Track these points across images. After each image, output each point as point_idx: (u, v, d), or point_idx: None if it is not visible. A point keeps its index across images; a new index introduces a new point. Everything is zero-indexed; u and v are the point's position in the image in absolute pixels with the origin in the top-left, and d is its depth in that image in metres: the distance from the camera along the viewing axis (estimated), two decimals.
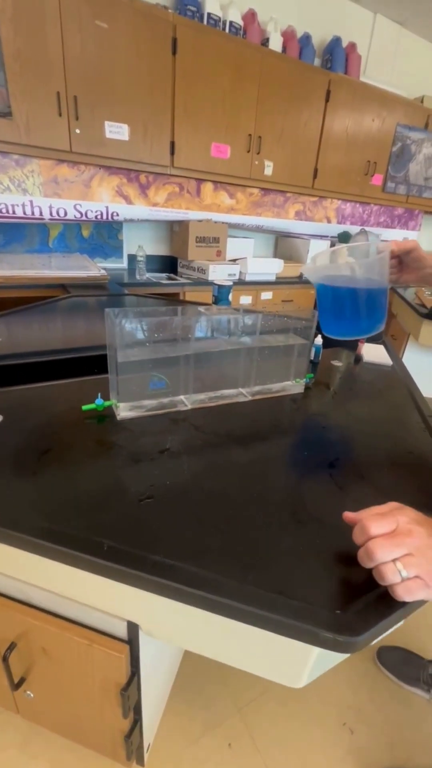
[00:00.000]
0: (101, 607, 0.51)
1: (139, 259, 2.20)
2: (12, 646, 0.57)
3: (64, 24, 1.65)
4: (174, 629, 0.48)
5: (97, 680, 0.55)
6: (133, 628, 0.51)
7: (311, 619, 0.35)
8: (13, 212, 1.90)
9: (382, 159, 2.78)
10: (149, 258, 2.45)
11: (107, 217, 2.12)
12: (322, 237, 2.89)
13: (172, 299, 1.94)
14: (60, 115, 1.76)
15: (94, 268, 1.87)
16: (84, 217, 2.07)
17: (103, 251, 2.39)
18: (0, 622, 0.56)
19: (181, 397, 0.72)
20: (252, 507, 0.48)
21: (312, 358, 0.95)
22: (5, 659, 0.56)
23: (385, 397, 0.82)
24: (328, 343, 0.98)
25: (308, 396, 0.79)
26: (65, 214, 2.01)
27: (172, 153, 2.07)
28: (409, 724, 0.98)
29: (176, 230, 2.46)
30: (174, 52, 1.91)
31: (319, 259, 0.65)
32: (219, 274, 2.29)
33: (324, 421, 0.70)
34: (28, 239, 2.17)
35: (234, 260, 2.48)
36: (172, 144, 2.06)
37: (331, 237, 2.94)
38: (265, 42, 2.28)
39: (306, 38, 2.40)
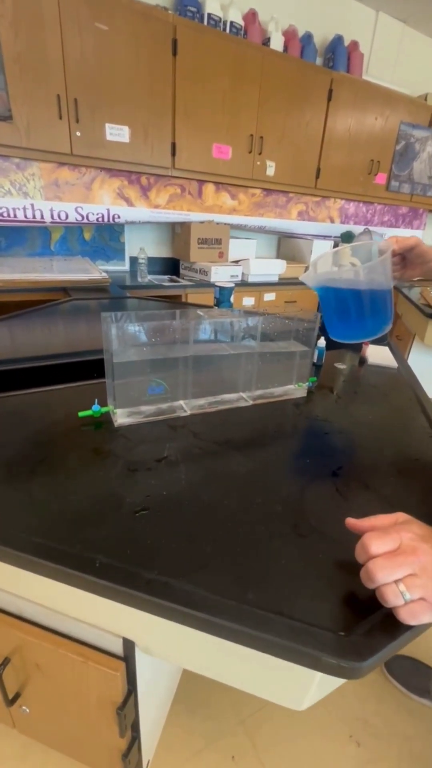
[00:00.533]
0: (96, 623, 0.49)
1: (140, 261, 2.19)
2: (6, 662, 0.55)
3: (64, 26, 1.65)
4: (171, 648, 0.46)
5: (93, 698, 0.53)
6: (129, 645, 0.49)
7: (313, 642, 0.33)
8: (15, 216, 1.90)
9: (386, 158, 2.75)
10: (151, 260, 2.44)
11: (108, 220, 2.12)
12: (325, 237, 2.87)
13: (174, 301, 1.92)
14: (60, 117, 1.76)
15: (95, 271, 1.86)
16: (85, 220, 2.06)
17: (105, 254, 2.39)
18: None
19: (181, 402, 0.70)
20: (251, 519, 0.46)
21: (315, 360, 0.93)
22: None
23: (390, 401, 0.79)
24: (331, 345, 0.96)
25: (311, 400, 0.77)
26: (66, 217, 2.01)
27: (173, 154, 2.06)
28: (419, 737, 0.95)
29: (178, 232, 2.45)
30: (174, 53, 1.90)
31: (320, 263, 0.63)
32: (221, 275, 2.28)
33: (327, 426, 0.68)
34: (30, 243, 2.17)
35: (236, 261, 2.47)
36: (173, 145, 2.05)
37: (335, 237, 2.91)
38: (266, 42, 2.27)
39: (307, 37, 2.38)
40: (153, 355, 0.65)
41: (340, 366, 0.96)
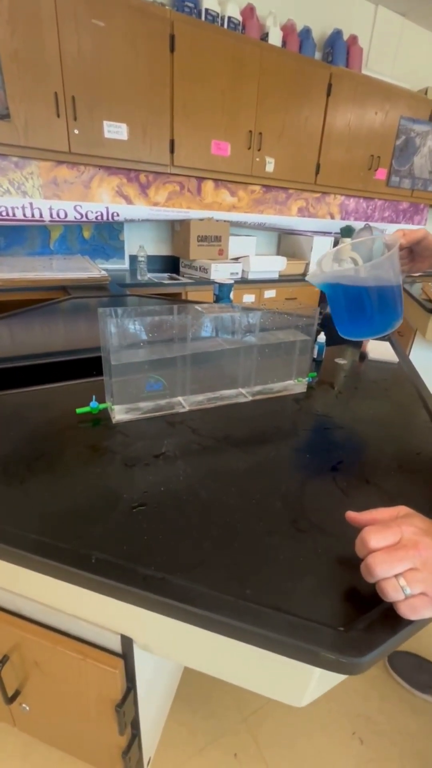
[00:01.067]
0: (93, 620, 0.49)
1: (140, 259, 2.18)
2: (4, 659, 0.55)
3: (61, 23, 1.64)
4: (169, 645, 0.46)
5: (92, 695, 0.53)
6: (127, 642, 0.48)
7: (311, 638, 0.32)
8: (14, 215, 1.90)
9: (386, 153, 2.74)
10: (151, 258, 2.44)
11: (108, 218, 2.11)
12: (325, 233, 2.85)
13: (174, 299, 1.92)
14: (58, 115, 1.75)
15: (95, 270, 1.85)
16: (84, 219, 2.06)
17: (104, 252, 2.38)
18: None
19: (179, 398, 0.69)
20: (250, 514, 0.45)
21: (315, 356, 0.93)
22: None
23: (391, 396, 0.79)
24: (331, 340, 0.95)
25: (311, 396, 0.76)
26: (65, 215, 2.00)
27: (172, 151, 2.05)
28: (422, 733, 0.95)
29: (177, 230, 2.44)
30: (172, 50, 1.89)
31: (325, 262, 0.62)
32: (221, 273, 2.27)
33: (327, 421, 0.67)
34: (29, 242, 2.16)
35: (236, 259, 2.46)
36: (172, 142, 2.04)
37: (335, 233, 2.90)
38: (264, 37, 2.25)
39: (306, 32, 2.36)
40: (151, 351, 0.65)
41: (341, 361, 0.95)
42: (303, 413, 0.70)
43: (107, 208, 2.09)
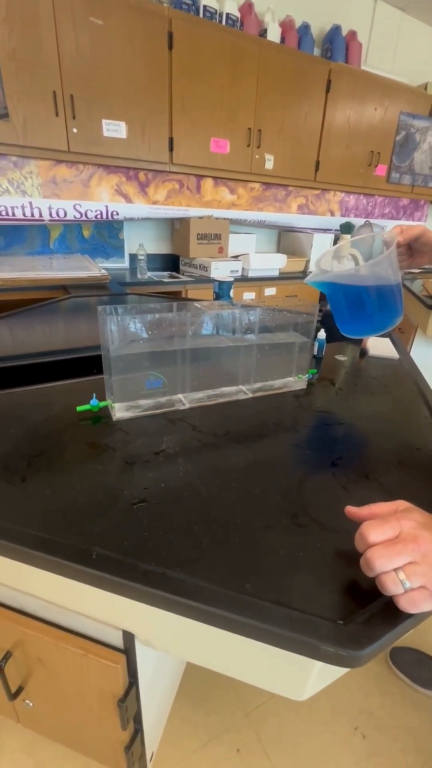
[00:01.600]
0: (95, 616, 0.49)
1: (139, 257, 2.18)
2: (7, 656, 0.55)
3: (59, 22, 1.64)
4: (170, 639, 0.46)
5: (94, 691, 0.53)
6: (129, 638, 0.49)
7: (311, 631, 0.32)
8: (13, 214, 1.90)
9: (386, 149, 2.73)
10: (151, 257, 2.43)
11: (107, 217, 2.11)
12: (325, 231, 2.85)
13: (174, 298, 1.92)
14: (57, 114, 1.75)
15: (94, 269, 1.85)
16: (84, 217, 2.06)
17: (104, 251, 2.38)
18: None
19: (179, 395, 0.70)
20: (250, 510, 0.45)
21: (315, 352, 0.93)
22: (1, 669, 0.55)
23: (391, 392, 0.79)
24: (332, 337, 0.95)
25: (311, 392, 0.76)
26: (65, 214, 2.00)
27: (171, 149, 2.05)
28: (424, 728, 0.95)
29: (177, 228, 2.43)
30: (170, 47, 1.88)
31: (324, 261, 0.62)
32: (221, 271, 2.27)
33: (327, 418, 0.67)
34: (29, 241, 2.16)
35: (236, 256, 2.45)
36: (171, 140, 2.04)
37: (335, 230, 2.89)
38: (262, 33, 2.25)
39: (305, 28, 2.35)
40: (151, 349, 0.65)
41: (341, 358, 0.95)
42: (303, 410, 0.70)
43: (106, 207, 2.08)
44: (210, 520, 0.43)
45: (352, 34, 2.52)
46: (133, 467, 0.52)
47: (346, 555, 0.39)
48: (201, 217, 2.33)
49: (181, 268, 2.49)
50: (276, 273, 2.51)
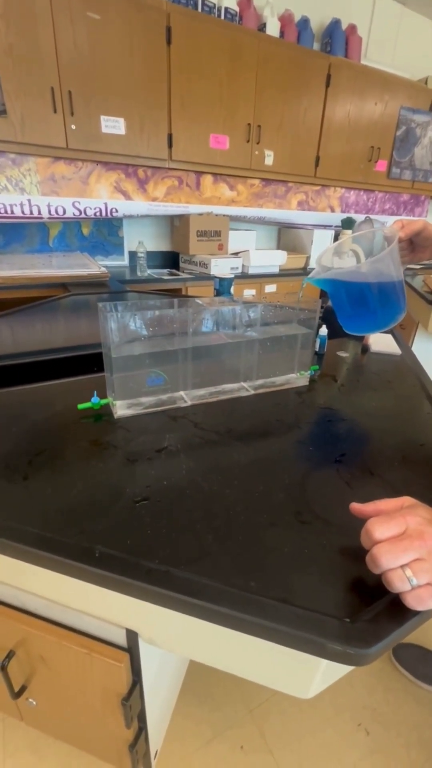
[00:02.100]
0: (98, 615, 0.49)
1: (139, 255, 2.17)
2: (11, 655, 0.55)
3: (56, 17, 1.62)
4: (174, 638, 0.46)
5: (98, 689, 0.53)
6: (132, 636, 0.48)
7: (318, 629, 0.32)
8: (12, 212, 1.89)
9: (386, 144, 2.71)
10: (151, 254, 2.42)
11: (106, 214, 2.10)
12: (326, 227, 2.83)
13: (174, 295, 1.91)
14: (55, 111, 1.74)
15: (94, 266, 1.84)
16: (83, 215, 2.05)
17: (104, 249, 2.37)
18: None
19: (181, 393, 0.69)
20: (253, 507, 0.45)
21: (317, 349, 0.92)
22: (3, 668, 0.55)
23: (394, 388, 0.78)
24: (333, 333, 0.95)
25: (313, 389, 0.76)
26: (64, 212, 1.99)
27: (170, 146, 2.04)
28: (427, 724, 0.95)
29: (177, 225, 2.42)
30: (169, 42, 1.87)
31: (325, 257, 0.61)
32: (221, 268, 2.26)
33: (330, 414, 0.67)
34: (29, 239, 2.15)
35: (236, 253, 2.44)
36: (170, 136, 2.02)
37: (335, 226, 2.88)
38: (262, 27, 2.23)
39: (304, 22, 2.33)
40: (152, 346, 0.64)
41: (343, 354, 0.95)
42: (305, 406, 0.69)
43: (106, 204, 2.07)
44: (213, 518, 0.43)
45: (352, 28, 2.49)
46: (135, 465, 0.51)
47: (352, 552, 0.38)
48: (201, 214, 2.31)
49: (181, 265, 2.48)
50: (276, 270, 2.49)
